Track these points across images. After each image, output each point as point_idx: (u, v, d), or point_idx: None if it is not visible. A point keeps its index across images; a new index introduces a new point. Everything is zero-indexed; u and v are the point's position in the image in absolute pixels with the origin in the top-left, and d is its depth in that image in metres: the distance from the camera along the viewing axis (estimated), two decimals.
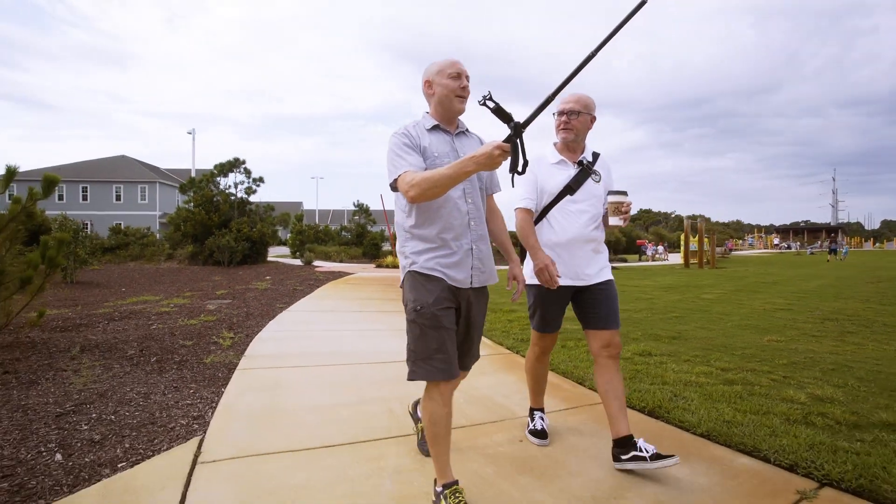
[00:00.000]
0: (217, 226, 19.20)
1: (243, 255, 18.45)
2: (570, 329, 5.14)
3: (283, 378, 3.54)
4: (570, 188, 2.35)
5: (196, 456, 2.25)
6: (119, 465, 2.17)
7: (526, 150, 1.64)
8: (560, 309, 2.44)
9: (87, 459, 2.21)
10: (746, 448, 2.44)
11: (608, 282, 2.40)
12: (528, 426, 2.62)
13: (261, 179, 21.74)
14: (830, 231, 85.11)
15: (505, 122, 1.66)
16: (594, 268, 2.39)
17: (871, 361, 4.18)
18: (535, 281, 2.35)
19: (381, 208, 17.87)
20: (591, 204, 2.37)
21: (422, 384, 1.91)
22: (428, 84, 1.97)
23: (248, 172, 21.72)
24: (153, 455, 2.27)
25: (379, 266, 18.03)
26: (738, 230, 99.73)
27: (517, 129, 1.62)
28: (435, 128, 1.96)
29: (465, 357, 2.03)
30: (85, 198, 40.13)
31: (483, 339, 3.02)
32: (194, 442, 2.42)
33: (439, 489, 1.85)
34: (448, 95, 1.90)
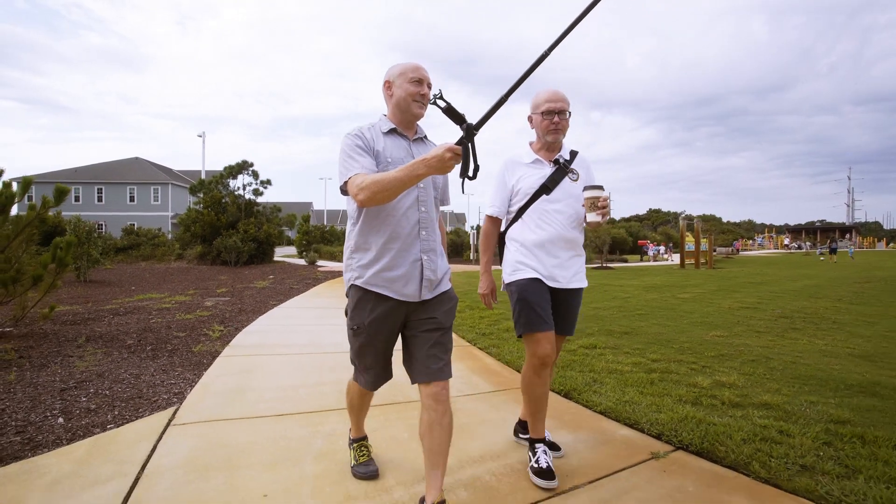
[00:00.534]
0: (225, 226, 19.88)
1: (250, 256, 19.11)
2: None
3: (258, 364, 4.07)
4: (546, 188, 2.29)
5: (170, 420, 2.77)
6: (108, 427, 2.70)
7: (478, 154, 1.57)
8: (546, 300, 2.27)
9: (83, 422, 2.74)
10: (630, 422, 2.89)
11: (580, 290, 2.38)
12: (530, 463, 2.23)
13: (268, 182, 22.42)
14: (845, 231, 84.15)
15: (457, 124, 1.60)
16: (569, 272, 2.33)
17: (793, 354, 4.59)
18: (515, 277, 2.31)
19: None
20: (568, 204, 2.32)
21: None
22: (388, 85, 1.92)
23: (255, 175, 22.44)
24: (136, 419, 2.80)
25: None
26: (749, 230, 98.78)
27: (469, 131, 1.55)
28: (392, 131, 1.91)
29: (435, 363, 1.84)
30: (100, 199, 41.32)
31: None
32: (171, 411, 2.94)
33: (350, 440, 2.30)
34: (406, 99, 1.87)
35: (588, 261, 24.55)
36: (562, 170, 2.33)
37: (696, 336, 5.46)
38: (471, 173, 1.56)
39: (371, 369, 1.96)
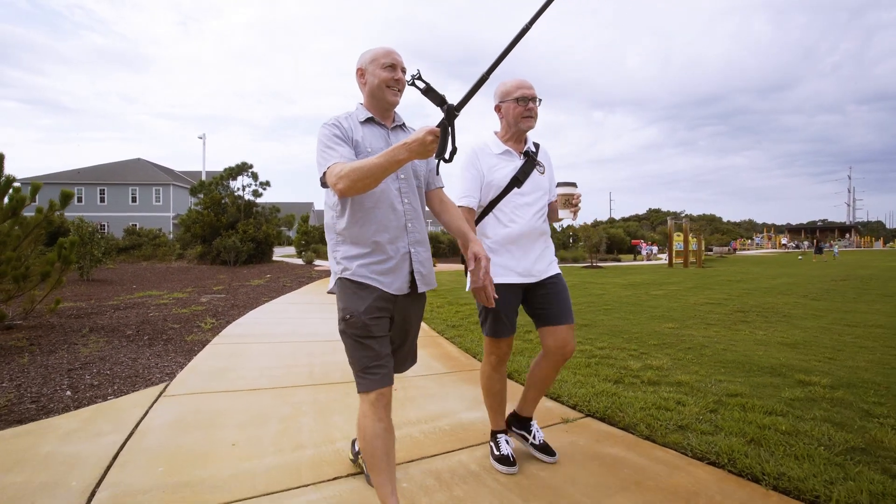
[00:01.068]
0: (225, 227, 20.41)
1: (248, 255, 19.62)
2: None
3: (242, 350, 4.56)
4: (518, 180, 2.24)
5: (161, 393, 3.27)
6: (108, 398, 3.19)
7: (456, 136, 1.55)
8: (514, 309, 2.29)
9: (87, 395, 3.24)
10: (554, 396, 3.37)
11: (557, 275, 2.35)
12: (492, 452, 2.36)
13: (267, 183, 22.95)
14: (845, 230, 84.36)
15: (437, 105, 1.58)
16: (544, 262, 2.31)
17: (728, 343, 5.06)
18: None
19: None
20: (538, 197, 2.30)
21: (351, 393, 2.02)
22: (360, 73, 1.86)
23: (255, 176, 22.98)
24: (132, 392, 3.30)
25: None
26: (749, 229, 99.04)
27: (450, 113, 1.53)
28: (369, 120, 1.85)
29: (403, 364, 1.99)
30: (102, 199, 41.93)
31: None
32: (162, 386, 3.44)
33: None
34: (379, 86, 1.81)
35: (581, 259, 24.99)
36: (531, 161, 2.29)
37: (649, 328, 5.93)
38: (447, 156, 1.53)
39: (377, 361, 1.73)
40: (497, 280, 2.18)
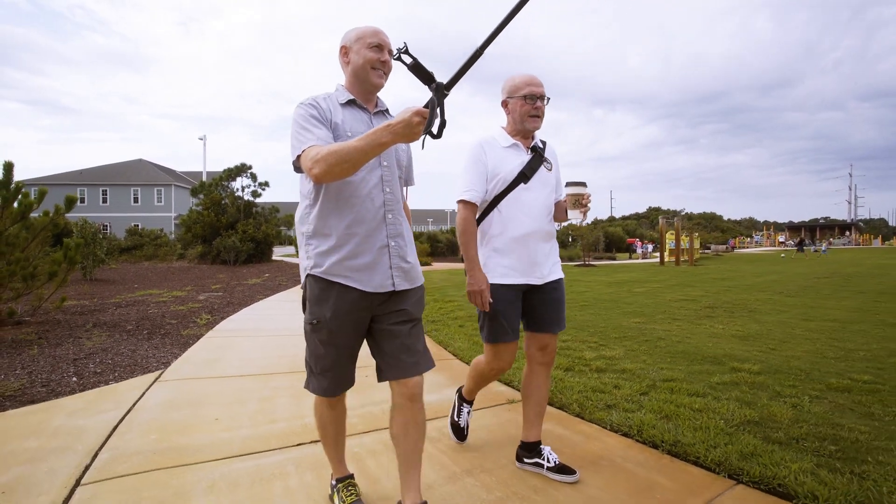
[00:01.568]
0: (225, 227, 20.85)
1: (248, 255, 20.06)
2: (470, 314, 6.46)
3: (232, 343, 4.98)
4: (525, 175, 2.16)
5: (156, 379, 3.69)
6: (110, 383, 3.60)
7: (446, 113, 1.42)
8: (515, 311, 2.18)
9: (91, 380, 3.65)
10: (506, 381, 3.76)
11: (560, 280, 2.28)
12: (451, 415, 2.58)
13: (266, 183, 23.40)
14: (845, 228, 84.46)
15: (425, 83, 1.47)
16: (549, 264, 2.23)
17: (684, 335, 5.44)
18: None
19: None
20: (544, 194, 2.21)
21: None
22: (344, 51, 1.75)
23: (254, 177, 23.44)
24: (131, 378, 3.72)
25: None
26: (750, 227, 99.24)
27: (440, 91, 1.42)
28: (350, 103, 1.74)
29: (409, 364, 1.73)
30: (105, 200, 42.48)
31: None
32: (158, 373, 3.85)
33: (333, 482, 1.95)
34: (364, 66, 1.70)
35: (576, 258, 25.35)
36: (539, 157, 2.21)
37: (616, 322, 6.32)
38: (435, 129, 1.40)
39: (329, 372, 1.72)
40: (499, 280, 2.14)
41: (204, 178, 29.59)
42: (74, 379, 3.67)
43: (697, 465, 2.36)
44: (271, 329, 5.77)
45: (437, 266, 18.86)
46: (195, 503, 1.97)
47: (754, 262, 24.00)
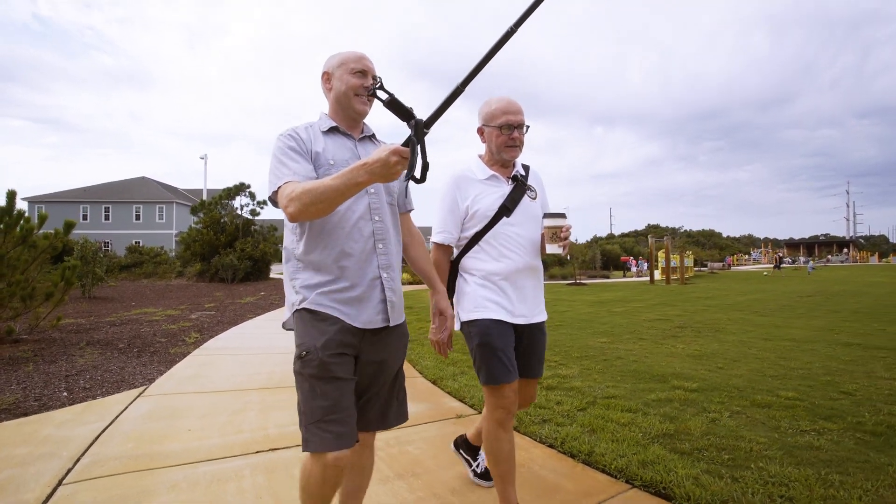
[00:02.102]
0: (223, 245, 21.30)
1: (245, 273, 20.47)
2: None
3: (215, 361, 5.33)
4: (507, 208, 2.03)
5: (140, 394, 4.04)
6: (97, 397, 3.95)
7: (427, 152, 1.35)
8: (512, 345, 2.02)
9: (80, 395, 4.00)
10: (459, 397, 4.08)
11: (543, 323, 2.17)
12: (470, 471, 2.60)
13: (264, 202, 23.91)
14: (843, 245, 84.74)
15: (403, 120, 1.40)
16: (535, 306, 2.12)
17: (641, 355, 5.77)
18: (476, 316, 2.01)
19: None
20: (529, 227, 2.08)
21: None
22: (326, 77, 1.71)
23: (252, 195, 24.03)
24: (117, 393, 4.06)
25: None
26: (748, 244, 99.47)
27: (419, 129, 1.35)
28: (333, 130, 1.69)
29: (384, 417, 1.72)
30: (107, 217, 43.13)
31: None
32: (142, 388, 4.20)
33: None
34: (346, 93, 1.66)
35: (569, 276, 25.67)
36: (521, 187, 2.09)
37: (582, 342, 6.65)
38: (417, 174, 1.33)
39: (333, 414, 1.47)
40: (493, 316, 2.00)
41: (204, 197, 30.18)
42: (65, 394, 4.02)
43: (604, 472, 2.69)
44: (254, 347, 6.12)
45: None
46: (158, 500, 2.31)
47: (746, 280, 24.28)
